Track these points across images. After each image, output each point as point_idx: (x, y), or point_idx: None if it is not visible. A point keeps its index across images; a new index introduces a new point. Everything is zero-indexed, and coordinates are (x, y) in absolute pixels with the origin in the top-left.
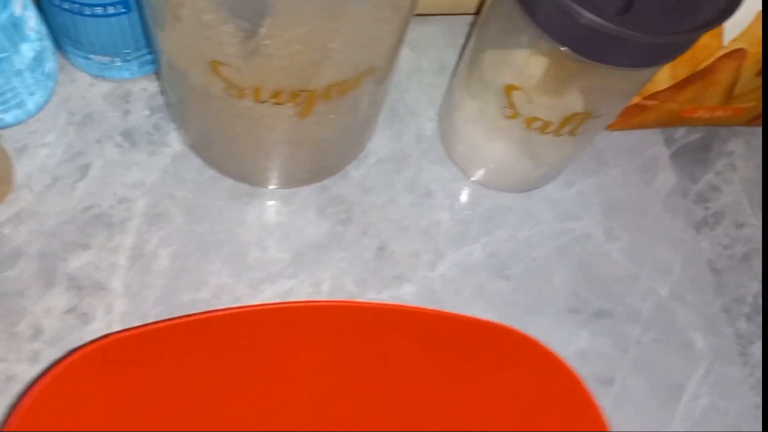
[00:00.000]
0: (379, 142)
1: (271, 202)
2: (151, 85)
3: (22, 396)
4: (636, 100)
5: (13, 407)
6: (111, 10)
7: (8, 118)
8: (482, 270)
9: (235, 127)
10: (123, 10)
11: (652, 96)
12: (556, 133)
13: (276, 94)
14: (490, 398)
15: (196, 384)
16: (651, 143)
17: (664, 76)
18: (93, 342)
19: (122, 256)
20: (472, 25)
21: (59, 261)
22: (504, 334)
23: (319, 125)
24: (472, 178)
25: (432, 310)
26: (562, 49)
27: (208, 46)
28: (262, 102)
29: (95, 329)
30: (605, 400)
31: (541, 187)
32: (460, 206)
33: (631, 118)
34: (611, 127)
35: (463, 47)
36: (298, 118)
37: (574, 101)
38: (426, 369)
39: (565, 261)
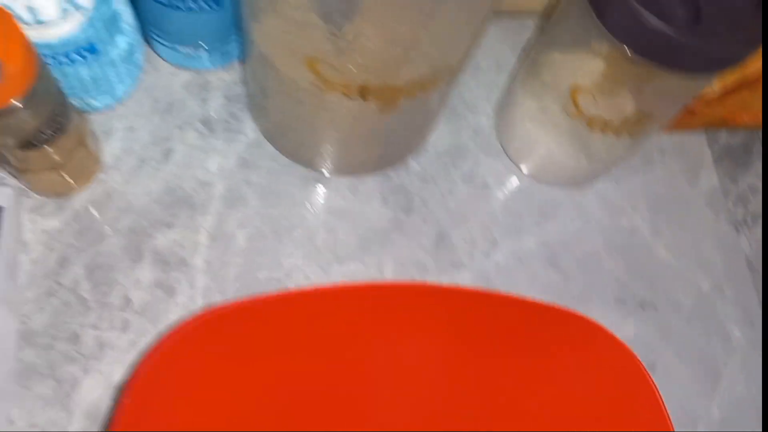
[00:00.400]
0: (439, 136)
1: (338, 189)
2: (228, 76)
3: (137, 366)
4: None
5: (127, 380)
6: (204, 5)
7: (98, 103)
8: (535, 259)
9: (317, 118)
10: (215, 6)
11: (702, 101)
12: (616, 133)
13: (363, 90)
14: (554, 378)
15: (294, 356)
16: (695, 145)
17: (715, 83)
18: (201, 314)
19: (203, 236)
20: (538, 27)
21: (146, 237)
22: (566, 317)
23: (397, 120)
24: (527, 172)
25: (498, 293)
26: (631, 54)
27: (304, 42)
28: (350, 97)
29: (180, 302)
30: None
31: (591, 182)
32: (514, 198)
33: (680, 121)
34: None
35: (524, 49)
36: (380, 113)
37: (636, 103)
38: (491, 348)
39: (613, 254)
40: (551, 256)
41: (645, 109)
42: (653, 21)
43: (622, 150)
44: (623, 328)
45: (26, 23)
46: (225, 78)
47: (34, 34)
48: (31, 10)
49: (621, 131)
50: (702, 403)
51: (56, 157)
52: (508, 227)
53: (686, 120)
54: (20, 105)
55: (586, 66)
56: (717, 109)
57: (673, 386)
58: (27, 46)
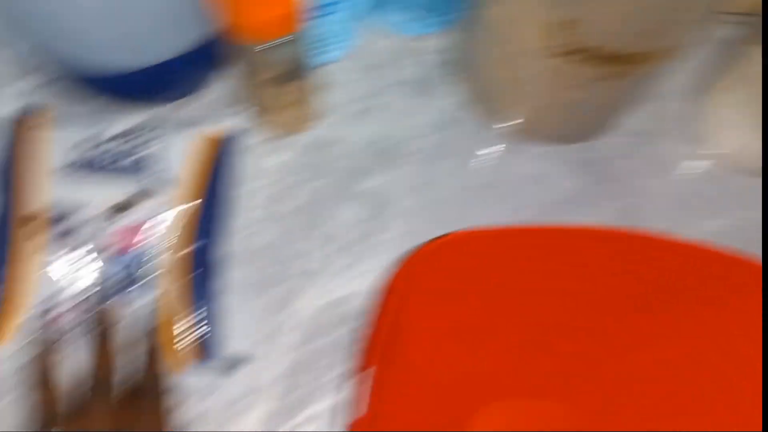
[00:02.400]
0: (635, 116)
1: (531, 155)
2: (440, 42)
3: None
4: None
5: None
6: None
7: (329, 57)
8: (726, 240)
9: (535, 84)
10: None
11: None
12: None
13: (597, 55)
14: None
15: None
16: None
17: None
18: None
19: (405, 183)
20: (736, 24)
21: (354, 179)
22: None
23: (604, 91)
24: (720, 158)
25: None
26: None
27: (539, 8)
28: (571, 62)
29: (383, 239)
30: None
31: None
32: (704, 181)
33: None
34: None
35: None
36: (592, 81)
37: None
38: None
39: None
40: (745, 239)
41: None
42: None
43: None
44: None
45: None
46: (437, 43)
47: None
48: None
49: None
50: None
51: (294, 96)
52: (698, 209)
53: None
54: (291, 38)
55: None
56: None
57: None
58: None
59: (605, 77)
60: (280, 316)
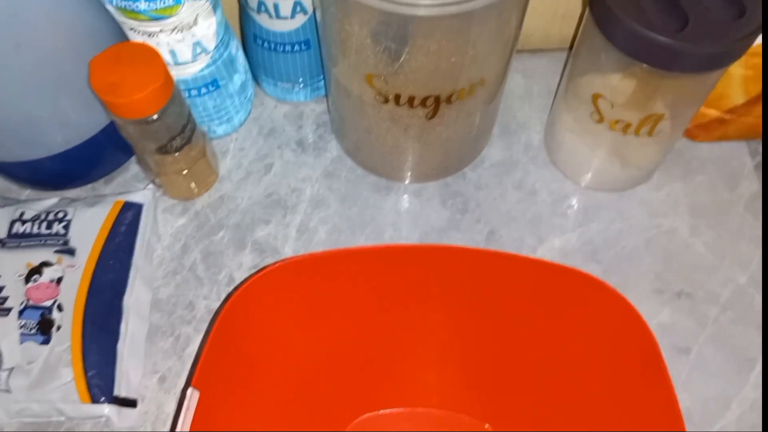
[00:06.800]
0: (493, 151)
1: (404, 194)
2: (318, 107)
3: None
4: (715, 114)
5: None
6: (297, 48)
7: (220, 130)
8: (577, 254)
9: (380, 128)
10: (305, 48)
11: (730, 111)
12: (636, 133)
13: (411, 99)
14: (558, 329)
15: (347, 303)
16: (736, 155)
17: (739, 93)
18: (273, 264)
19: (292, 230)
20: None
21: (248, 231)
22: (583, 280)
23: (443, 126)
24: (572, 180)
25: (512, 254)
26: (639, 63)
27: (364, 64)
28: (400, 105)
29: None
30: (682, 367)
31: (632, 188)
32: (560, 202)
33: (713, 131)
34: (696, 139)
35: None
36: (426, 119)
37: (649, 105)
38: (501, 305)
39: (652, 250)
40: (592, 252)
41: (657, 110)
42: (643, 31)
43: (647, 151)
44: (659, 314)
45: (168, 64)
46: (315, 109)
47: (174, 73)
48: (173, 53)
49: (640, 131)
50: (736, 384)
51: (183, 164)
52: (553, 227)
53: (719, 130)
54: (155, 117)
55: (602, 77)
56: (746, 118)
57: (707, 368)
58: (166, 74)
59: (430, 115)
60: (175, 360)
